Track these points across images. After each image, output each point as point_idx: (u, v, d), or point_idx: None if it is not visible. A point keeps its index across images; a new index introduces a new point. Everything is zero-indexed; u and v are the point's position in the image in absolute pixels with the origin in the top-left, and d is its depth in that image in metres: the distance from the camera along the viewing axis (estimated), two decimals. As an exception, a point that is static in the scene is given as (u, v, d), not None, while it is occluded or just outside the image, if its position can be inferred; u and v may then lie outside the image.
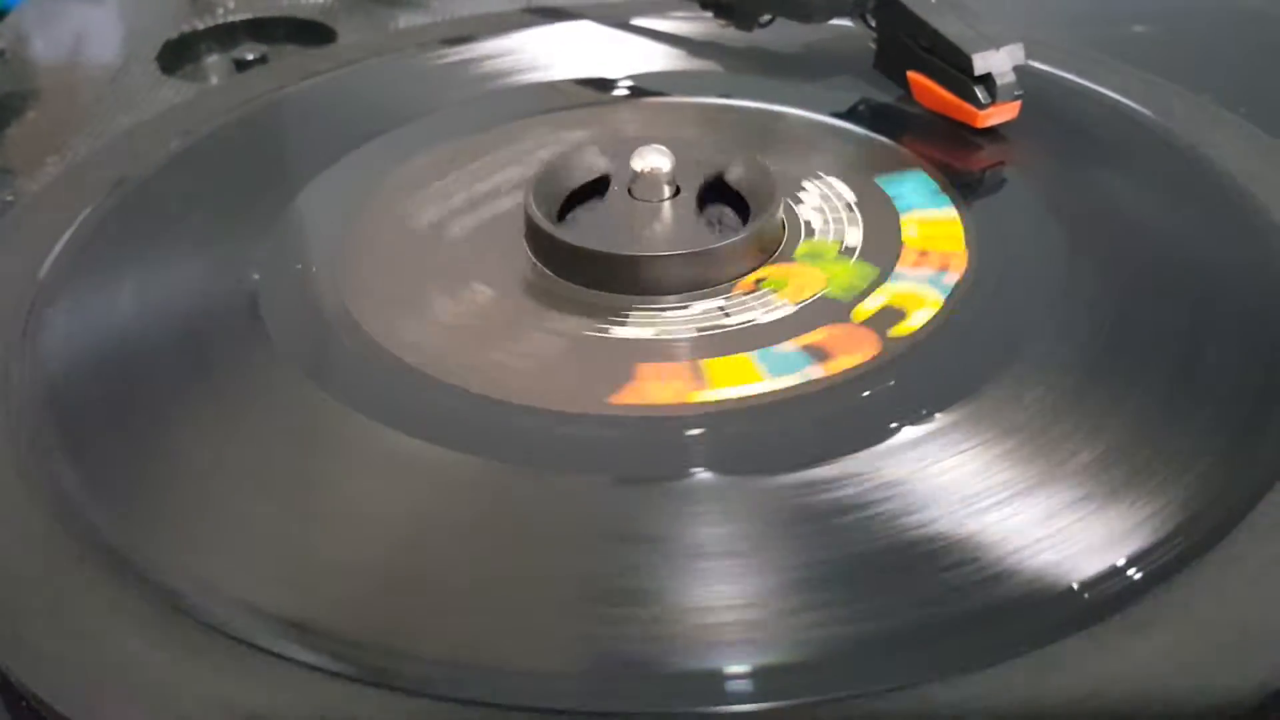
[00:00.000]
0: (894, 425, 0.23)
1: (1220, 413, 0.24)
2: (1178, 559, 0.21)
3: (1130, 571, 0.21)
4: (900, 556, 0.21)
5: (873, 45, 0.36)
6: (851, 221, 0.30)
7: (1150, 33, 0.44)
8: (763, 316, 0.27)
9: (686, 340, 0.27)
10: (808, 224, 0.30)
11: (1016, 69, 0.33)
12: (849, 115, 0.35)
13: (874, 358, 0.26)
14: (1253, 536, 0.21)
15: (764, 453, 0.24)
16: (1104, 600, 0.20)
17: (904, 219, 0.30)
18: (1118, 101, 0.35)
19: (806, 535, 0.22)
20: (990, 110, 0.33)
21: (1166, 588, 0.20)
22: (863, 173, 0.32)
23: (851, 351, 0.26)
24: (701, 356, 0.26)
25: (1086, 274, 0.28)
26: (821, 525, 0.22)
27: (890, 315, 0.27)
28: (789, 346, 0.26)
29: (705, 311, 0.27)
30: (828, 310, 0.27)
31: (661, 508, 0.23)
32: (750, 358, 0.26)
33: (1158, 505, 0.22)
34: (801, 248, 0.30)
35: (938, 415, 0.24)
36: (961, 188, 0.31)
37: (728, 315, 0.27)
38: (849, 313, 0.27)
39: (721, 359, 0.26)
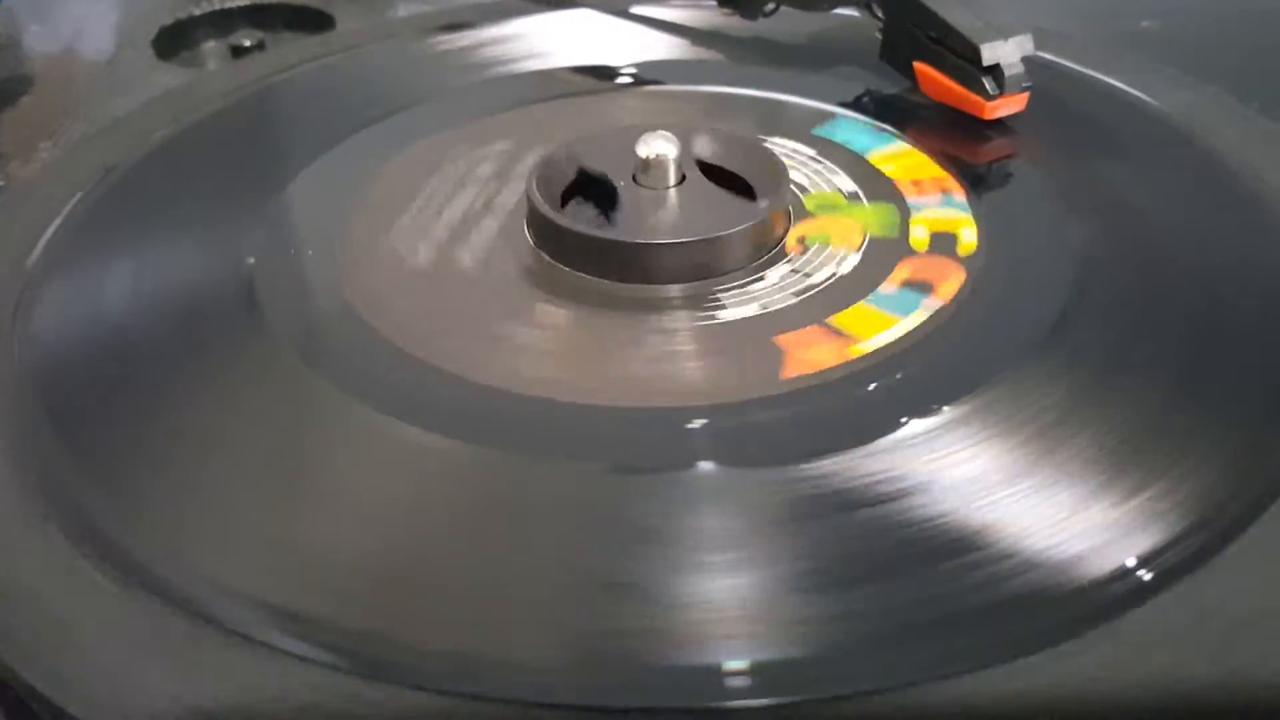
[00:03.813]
0: (902, 420, 0.23)
1: (1235, 407, 0.24)
2: (1193, 556, 0.20)
3: (1143, 569, 0.20)
4: (909, 550, 0.21)
5: (879, 35, 0.36)
6: (830, 171, 0.31)
7: (1157, 28, 0.44)
8: (839, 269, 0.28)
9: (795, 306, 0.27)
10: (797, 183, 0.31)
11: (1025, 60, 0.33)
12: (854, 106, 0.35)
13: (966, 282, 0.27)
14: (1270, 532, 0.21)
15: (765, 446, 0.23)
16: (1116, 598, 0.20)
17: (869, 158, 0.31)
18: (1128, 94, 0.34)
19: (804, 530, 0.21)
20: (998, 102, 0.32)
21: (1180, 585, 0.20)
22: (797, 129, 0.33)
23: (944, 278, 0.27)
24: (825, 316, 0.26)
25: (1097, 266, 0.27)
26: (819, 520, 0.21)
27: (944, 240, 0.28)
28: (890, 288, 0.27)
29: (784, 278, 0.27)
30: (890, 249, 0.28)
31: (667, 500, 0.22)
32: (869, 306, 0.26)
33: (1172, 501, 0.21)
34: (811, 203, 0.30)
35: (946, 409, 0.23)
36: (969, 180, 0.31)
37: (808, 275, 0.27)
38: (909, 246, 0.28)
39: (846, 313, 0.26)
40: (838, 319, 0.26)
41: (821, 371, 0.25)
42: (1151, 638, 0.19)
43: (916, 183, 0.30)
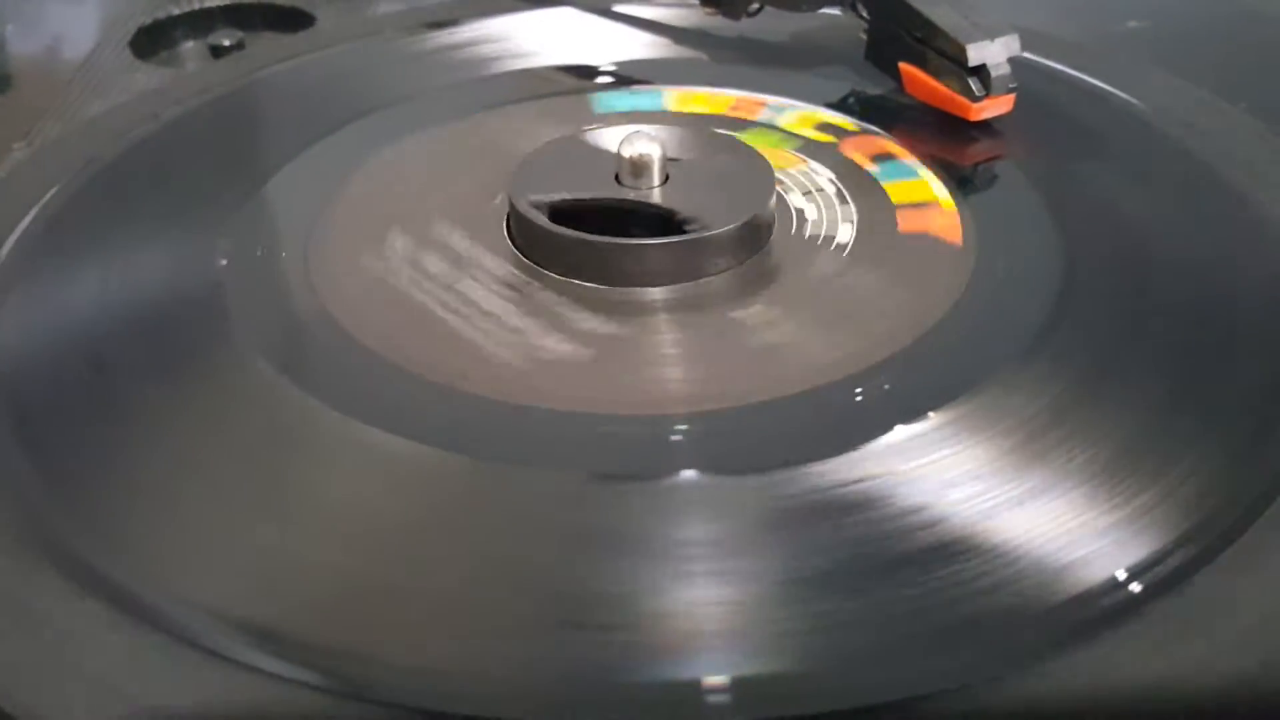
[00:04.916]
0: (889, 424, 0.23)
1: (1228, 409, 0.23)
2: (1188, 562, 0.20)
3: (1138, 576, 0.20)
4: (898, 560, 0.20)
5: (863, 35, 0.36)
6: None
7: (1144, 29, 0.44)
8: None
9: None
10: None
11: (1011, 61, 0.32)
12: (839, 107, 0.34)
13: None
14: (1267, 536, 0.20)
15: (750, 453, 0.23)
16: (1111, 606, 0.19)
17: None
18: (1115, 95, 0.34)
19: (797, 537, 0.21)
20: (984, 103, 0.32)
21: (1176, 592, 0.19)
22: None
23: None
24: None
25: (1085, 270, 0.27)
26: (805, 529, 0.21)
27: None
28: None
29: None
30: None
31: (645, 507, 0.22)
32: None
33: (1168, 507, 0.21)
34: None
35: (933, 414, 0.23)
36: (955, 182, 0.30)
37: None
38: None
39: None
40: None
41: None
42: (1147, 646, 0.19)
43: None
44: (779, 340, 0.25)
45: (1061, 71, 0.36)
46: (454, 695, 0.19)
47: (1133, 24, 0.44)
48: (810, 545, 0.21)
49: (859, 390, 0.24)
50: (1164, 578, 0.20)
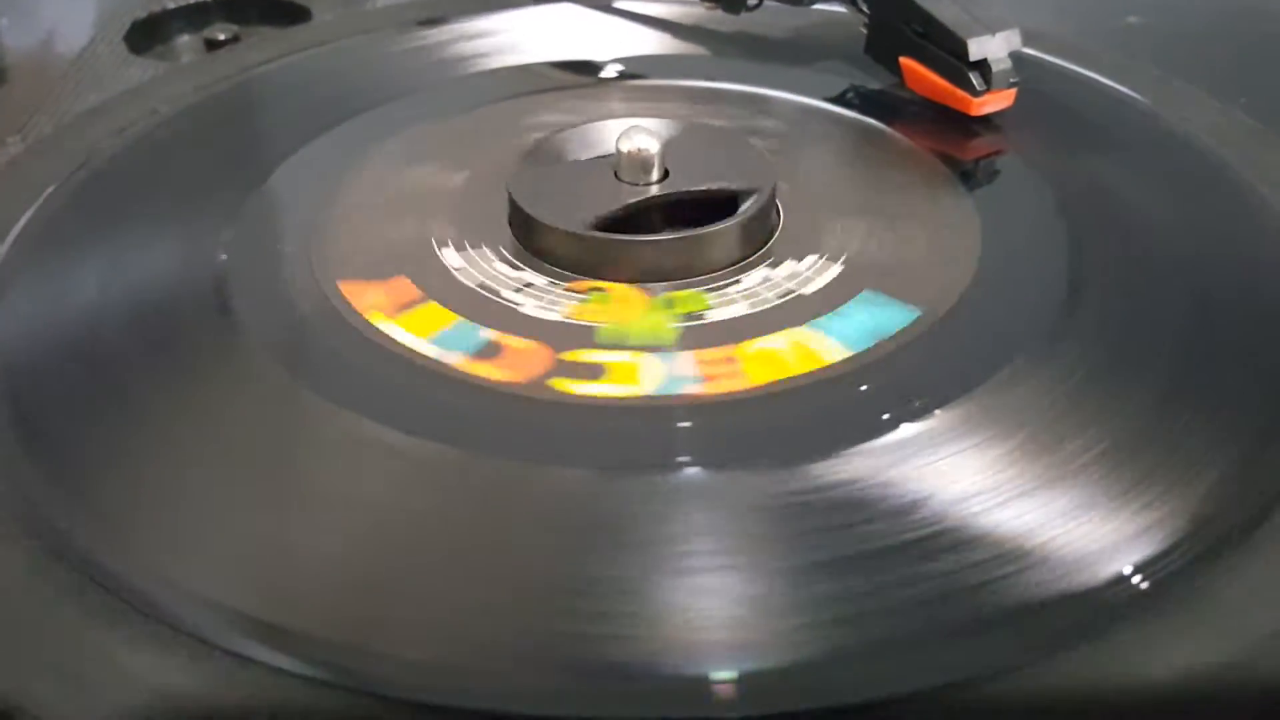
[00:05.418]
0: (890, 420, 0.23)
1: (1235, 408, 0.23)
2: (1194, 562, 0.20)
3: (1142, 575, 0.20)
4: (898, 558, 0.20)
5: (864, 30, 0.35)
6: (761, 303, 0.26)
7: (1142, 25, 0.44)
8: (521, 301, 0.26)
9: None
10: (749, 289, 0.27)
11: (1012, 56, 0.32)
12: (839, 102, 0.34)
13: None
14: (1274, 539, 0.20)
15: (755, 447, 0.23)
16: (1115, 605, 0.19)
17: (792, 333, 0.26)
18: (1116, 90, 0.34)
19: (796, 534, 0.21)
20: (985, 97, 0.32)
21: (1180, 590, 0.19)
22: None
23: (516, 366, 0.24)
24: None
25: (1087, 266, 0.27)
26: (811, 524, 0.21)
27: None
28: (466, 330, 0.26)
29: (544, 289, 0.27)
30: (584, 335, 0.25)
31: (648, 502, 0.21)
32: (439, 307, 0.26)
33: (1173, 506, 0.21)
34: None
35: (937, 411, 0.23)
36: (957, 176, 0.30)
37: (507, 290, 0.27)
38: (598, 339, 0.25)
39: (417, 312, 0.26)
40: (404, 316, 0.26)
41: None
42: (1151, 644, 0.19)
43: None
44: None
45: (1062, 66, 0.36)
46: (455, 689, 0.19)
47: (1132, 19, 0.44)
48: (811, 542, 0.21)
49: (864, 387, 0.24)
50: (1169, 576, 0.20)
